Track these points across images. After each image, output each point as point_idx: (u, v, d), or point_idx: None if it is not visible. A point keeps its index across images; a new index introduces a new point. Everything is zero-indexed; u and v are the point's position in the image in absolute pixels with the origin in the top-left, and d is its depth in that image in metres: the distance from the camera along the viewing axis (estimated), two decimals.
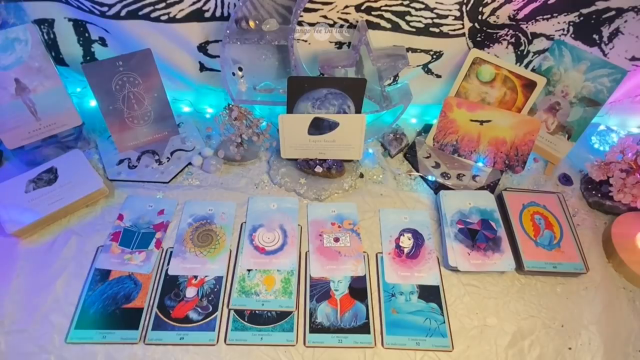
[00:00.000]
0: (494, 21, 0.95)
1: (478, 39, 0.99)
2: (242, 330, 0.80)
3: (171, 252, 0.89)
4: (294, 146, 1.02)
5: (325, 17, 0.94)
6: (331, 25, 0.96)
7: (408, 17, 0.94)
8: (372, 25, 0.95)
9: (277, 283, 0.86)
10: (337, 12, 0.93)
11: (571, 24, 0.95)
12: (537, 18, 0.94)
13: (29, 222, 0.88)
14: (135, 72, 0.95)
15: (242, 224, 0.95)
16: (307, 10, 0.92)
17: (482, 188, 1.04)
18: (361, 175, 1.06)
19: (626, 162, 0.97)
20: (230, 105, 0.99)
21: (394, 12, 0.93)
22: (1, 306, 0.80)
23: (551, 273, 0.90)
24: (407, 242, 0.94)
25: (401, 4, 0.91)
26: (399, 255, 0.92)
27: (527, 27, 0.96)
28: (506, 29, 0.97)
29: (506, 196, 0.99)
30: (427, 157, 1.10)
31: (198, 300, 0.83)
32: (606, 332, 0.84)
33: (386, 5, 0.91)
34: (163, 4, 0.91)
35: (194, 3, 0.92)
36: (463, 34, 0.97)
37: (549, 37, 0.98)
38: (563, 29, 0.96)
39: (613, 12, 0.91)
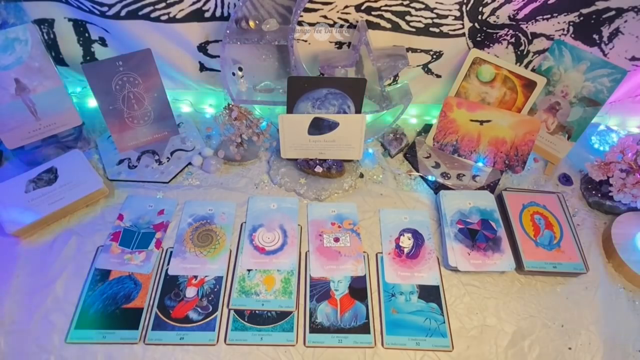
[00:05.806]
0: (494, 21, 0.95)
1: (478, 39, 0.99)
2: (242, 330, 0.80)
3: (171, 252, 0.89)
4: (294, 146, 1.02)
5: (325, 17, 0.94)
6: (331, 25, 0.96)
7: (408, 17, 0.94)
8: (372, 25, 0.95)
9: (277, 283, 0.86)
10: (337, 12, 0.93)
11: (571, 24, 0.95)
12: (537, 18, 0.94)
13: (29, 222, 0.88)
14: (135, 72, 0.95)
15: (242, 224, 0.95)
16: (307, 10, 0.92)
17: (482, 188, 1.04)
18: (361, 175, 1.06)
19: (626, 162, 0.97)
20: (230, 105, 0.99)
21: (394, 12, 0.93)
22: (1, 306, 0.80)
23: (551, 273, 0.90)
24: (407, 242, 0.94)
25: (401, 4, 0.91)
26: (399, 255, 0.92)
27: (527, 27, 0.96)
28: (506, 29, 0.97)
29: (506, 196, 0.99)
30: (427, 157, 1.10)
31: (198, 300, 0.83)
32: (606, 332, 0.84)
33: (386, 5, 0.91)
34: (163, 4, 0.91)
35: (194, 3, 0.92)
36: (463, 34, 0.97)
37: (549, 37, 0.98)
38: (563, 29, 0.96)
39: (613, 12, 0.91)
